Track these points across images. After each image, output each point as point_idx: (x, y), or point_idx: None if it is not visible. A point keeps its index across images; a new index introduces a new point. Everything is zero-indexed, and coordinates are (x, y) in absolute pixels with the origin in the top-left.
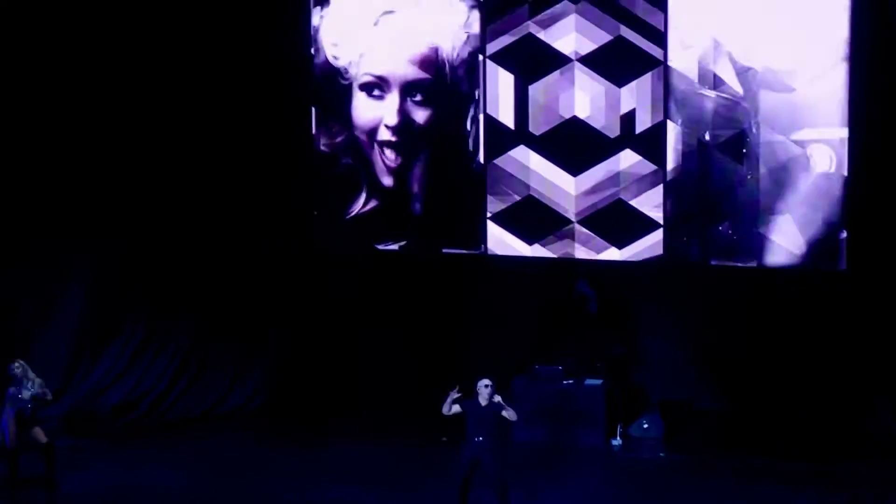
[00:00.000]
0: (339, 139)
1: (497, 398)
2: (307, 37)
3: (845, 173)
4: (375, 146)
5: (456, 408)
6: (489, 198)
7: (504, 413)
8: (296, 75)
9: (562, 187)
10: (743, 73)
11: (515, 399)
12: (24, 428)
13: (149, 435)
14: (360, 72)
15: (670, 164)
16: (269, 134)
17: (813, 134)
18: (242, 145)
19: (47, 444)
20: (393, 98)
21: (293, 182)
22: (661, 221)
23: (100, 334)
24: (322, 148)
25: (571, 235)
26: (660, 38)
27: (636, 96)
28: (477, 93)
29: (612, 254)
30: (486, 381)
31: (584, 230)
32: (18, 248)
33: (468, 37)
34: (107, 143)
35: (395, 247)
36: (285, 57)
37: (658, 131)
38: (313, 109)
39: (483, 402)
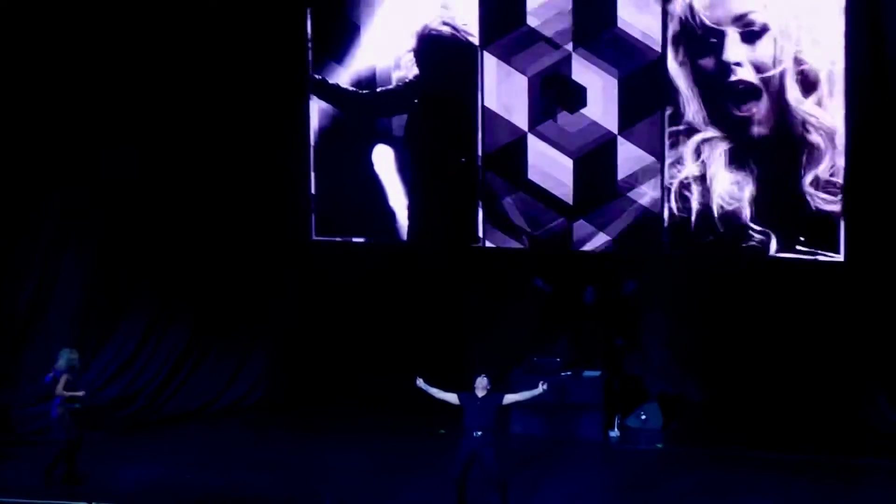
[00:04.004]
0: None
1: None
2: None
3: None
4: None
5: (449, 396)
6: (487, 189)
7: (519, 397)
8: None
9: (560, 179)
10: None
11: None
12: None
13: (146, 428)
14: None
15: (668, 154)
16: (265, 122)
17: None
18: (239, 137)
19: (79, 438)
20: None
21: (290, 172)
22: (662, 213)
23: (99, 327)
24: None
25: (569, 227)
26: (656, 29)
27: (633, 86)
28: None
29: (610, 245)
30: (485, 382)
31: (583, 222)
32: (18, 236)
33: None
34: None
35: (392, 239)
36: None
37: (656, 121)
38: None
39: (480, 394)
